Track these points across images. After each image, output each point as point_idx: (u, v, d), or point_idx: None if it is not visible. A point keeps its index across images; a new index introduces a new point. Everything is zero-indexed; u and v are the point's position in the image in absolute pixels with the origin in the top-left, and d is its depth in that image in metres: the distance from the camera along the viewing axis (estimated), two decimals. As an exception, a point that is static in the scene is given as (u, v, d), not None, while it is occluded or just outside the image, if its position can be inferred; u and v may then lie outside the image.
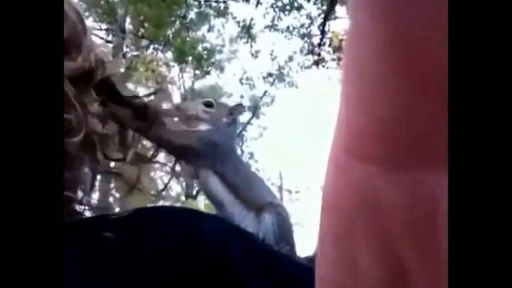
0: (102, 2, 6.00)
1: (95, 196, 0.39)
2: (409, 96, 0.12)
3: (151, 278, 0.32)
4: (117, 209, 0.39)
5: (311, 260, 0.33)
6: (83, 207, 0.38)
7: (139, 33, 6.56)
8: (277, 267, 0.33)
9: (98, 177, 0.39)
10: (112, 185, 0.44)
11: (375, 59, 0.12)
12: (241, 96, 8.22)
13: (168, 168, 0.50)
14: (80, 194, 0.38)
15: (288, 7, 6.57)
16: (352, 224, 0.14)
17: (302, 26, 6.65)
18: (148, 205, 0.40)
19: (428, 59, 0.11)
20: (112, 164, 0.41)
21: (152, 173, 0.43)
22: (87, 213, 0.39)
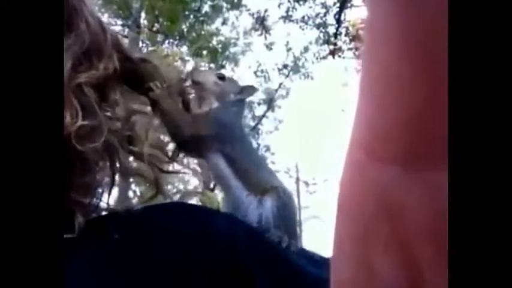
0: (117, -2, 6.05)
1: (114, 196, 0.39)
2: (432, 95, 0.12)
3: (160, 274, 0.32)
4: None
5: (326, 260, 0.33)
6: (98, 211, 0.38)
7: (154, 28, 6.60)
8: (286, 266, 0.34)
9: (117, 178, 0.39)
10: (131, 183, 0.45)
11: (400, 58, 0.12)
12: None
13: (185, 162, 0.50)
14: (96, 199, 0.38)
15: (302, -3, 6.53)
16: (370, 225, 0.13)
17: (317, 15, 6.60)
18: (162, 201, 0.40)
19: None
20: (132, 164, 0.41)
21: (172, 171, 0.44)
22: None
